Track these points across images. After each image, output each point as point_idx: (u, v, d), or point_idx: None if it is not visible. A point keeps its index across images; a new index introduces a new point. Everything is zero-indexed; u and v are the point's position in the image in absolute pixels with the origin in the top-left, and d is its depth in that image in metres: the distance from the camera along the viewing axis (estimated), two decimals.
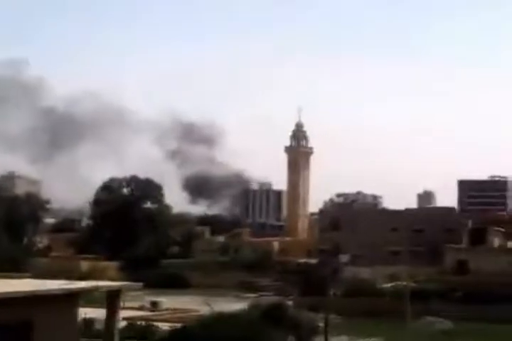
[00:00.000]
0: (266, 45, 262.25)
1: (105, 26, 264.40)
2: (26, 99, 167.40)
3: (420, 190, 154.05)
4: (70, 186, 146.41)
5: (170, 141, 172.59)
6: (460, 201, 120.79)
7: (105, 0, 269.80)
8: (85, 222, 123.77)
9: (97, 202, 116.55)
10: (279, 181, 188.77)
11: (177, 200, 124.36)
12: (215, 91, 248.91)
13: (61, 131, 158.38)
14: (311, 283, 77.99)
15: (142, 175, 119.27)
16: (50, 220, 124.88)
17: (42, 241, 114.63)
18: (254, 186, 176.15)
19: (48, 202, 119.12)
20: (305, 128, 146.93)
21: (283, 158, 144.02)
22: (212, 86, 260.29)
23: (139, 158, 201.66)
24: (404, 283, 70.27)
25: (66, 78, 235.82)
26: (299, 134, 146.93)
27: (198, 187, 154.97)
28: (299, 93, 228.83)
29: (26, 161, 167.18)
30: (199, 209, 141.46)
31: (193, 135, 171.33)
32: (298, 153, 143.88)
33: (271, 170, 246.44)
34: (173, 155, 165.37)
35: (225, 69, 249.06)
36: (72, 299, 23.33)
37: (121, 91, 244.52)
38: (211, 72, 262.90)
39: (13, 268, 62.02)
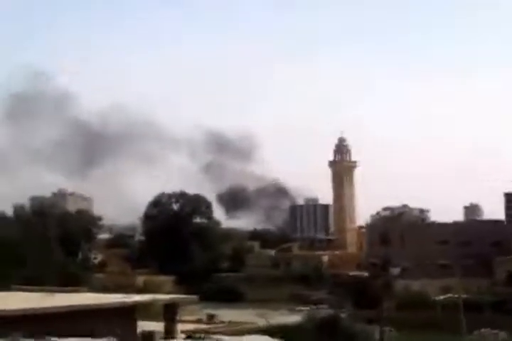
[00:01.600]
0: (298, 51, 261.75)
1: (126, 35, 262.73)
2: (55, 113, 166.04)
3: (467, 203, 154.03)
4: (110, 201, 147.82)
5: (203, 154, 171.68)
6: (507, 214, 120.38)
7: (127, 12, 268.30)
8: (138, 237, 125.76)
9: (147, 218, 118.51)
10: (323, 193, 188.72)
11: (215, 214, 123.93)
12: (243, 102, 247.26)
13: (93, 145, 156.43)
14: (365, 295, 78.85)
15: (178, 189, 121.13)
16: (103, 236, 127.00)
17: (96, 256, 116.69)
18: (300, 200, 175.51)
19: (100, 218, 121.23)
20: (348, 143, 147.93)
21: (326, 171, 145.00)
22: (240, 96, 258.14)
23: (174, 173, 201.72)
24: (457, 295, 70.70)
25: (91, 90, 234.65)
26: (342, 148, 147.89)
27: (233, 200, 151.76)
28: (339, 105, 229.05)
29: (62, 176, 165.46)
30: (237, 222, 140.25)
31: (227, 148, 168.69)
32: (342, 167, 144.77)
33: (312, 183, 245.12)
34: (208, 169, 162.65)
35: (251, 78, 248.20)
36: (130, 312, 24.15)
37: (148, 104, 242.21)
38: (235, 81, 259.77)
39: (70, 283, 63.33)
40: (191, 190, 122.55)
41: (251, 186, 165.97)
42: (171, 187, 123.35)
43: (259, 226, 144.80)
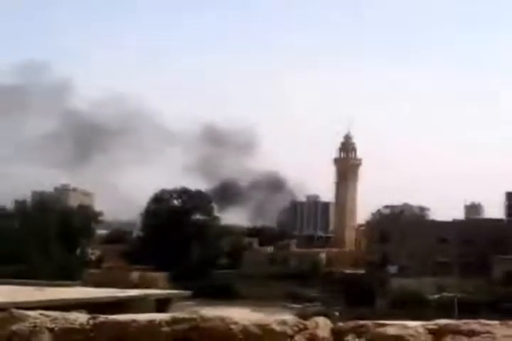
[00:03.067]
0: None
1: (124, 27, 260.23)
2: (48, 105, 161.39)
3: (468, 202, 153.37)
4: (105, 195, 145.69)
5: (200, 148, 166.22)
6: (508, 213, 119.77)
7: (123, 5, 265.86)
8: (136, 233, 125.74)
9: (148, 214, 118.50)
10: (322, 191, 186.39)
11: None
12: (244, 98, 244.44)
13: (88, 137, 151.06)
14: (358, 293, 78.71)
15: (172, 183, 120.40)
16: (102, 232, 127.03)
17: (94, 252, 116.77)
18: (301, 197, 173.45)
19: (100, 214, 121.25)
20: (354, 140, 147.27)
21: (328, 169, 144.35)
22: (242, 92, 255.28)
23: (169, 167, 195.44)
24: (451, 294, 70.37)
25: (88, 79, 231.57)
26: (347, 146, 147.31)
27: (225, 194, 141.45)
28: (341, 102, 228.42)
29: (56, 170, 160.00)
30: (229, 217, 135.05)
31: (224, 142, 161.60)
32: (347, 164, 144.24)
33: (314, 180, 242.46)
34: (204, 162, 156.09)
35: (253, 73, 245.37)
36: (123, 307, 24.19)
37: (144, 95, 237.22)
38: (234, 76, 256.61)
39: (66, 278, 63.52)
40: (186, 184, 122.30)
41: (247, 180, 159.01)
42: (166, 181, 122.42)
43: (252, 222, 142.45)
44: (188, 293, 32.03)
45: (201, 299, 67.06)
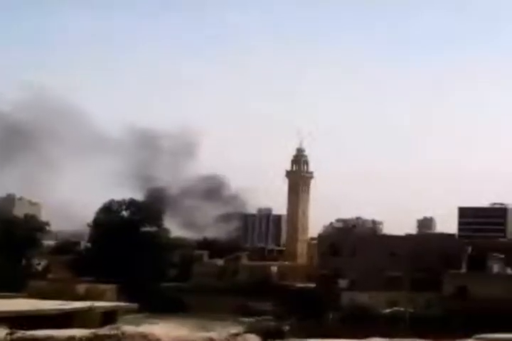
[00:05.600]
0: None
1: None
2: None
3: (420, 216, 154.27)
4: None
5: (134, 153, 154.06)
6: (460, 228, 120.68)
7: None
8: (84, 244, 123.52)
9: (95, 224, 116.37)
10: (274, 204, 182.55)
11: None
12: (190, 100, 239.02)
13: (10, 139, 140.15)
14: (309, 307, 77.74)
15: (103, 192, 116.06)
16: (49, 242, 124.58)
17: (40, 263, 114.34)
18: (252, 209, 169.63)
19: (47, 223, 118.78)
20: (306, 153, 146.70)
21: (280, 182, 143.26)
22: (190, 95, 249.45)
23: (102, 173, 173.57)
24: (403, 309, 69.91)
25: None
26: (299, 158, 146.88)
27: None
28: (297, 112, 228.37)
29: None
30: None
31: (161, 146, 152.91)
32: (299, 177, 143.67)
33: (264, 193, 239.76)
34: (138, 169, 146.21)
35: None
36: (68, 320, 23.19)
37: (74, 96, 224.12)
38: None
39: (10, 289, 61.57)
40: (120, 193, 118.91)
41: (182, 187, 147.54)
42: (97, 189, 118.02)
43: (184, 232, 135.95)
44: (134, 305, 30.77)
45: (149, 312, 65.50)
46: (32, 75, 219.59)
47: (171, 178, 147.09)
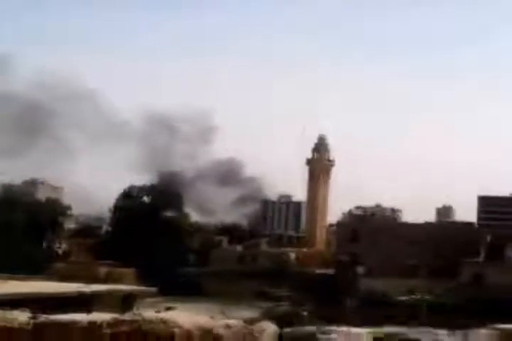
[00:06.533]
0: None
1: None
2: None
3: (439, 205, 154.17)
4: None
5: (150, 138, 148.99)
6: (479, 217, 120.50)
7: None
8: (105, 228, 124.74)
9: (116, 209, 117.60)
10: (294, 191, 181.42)
11: None
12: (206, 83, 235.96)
13: (29, 121, 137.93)
14: (327, 293, 78.30)
15: (122, 177, 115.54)
16: (70, 226, 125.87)
17: (61, 246, 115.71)
18: (272, 196, 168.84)
19: (69, 207, 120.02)
20: (328, 141, 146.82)
21: (300, 169, 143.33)
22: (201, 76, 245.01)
23: (118, 159, 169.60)
24: (419, 296, 70.30)
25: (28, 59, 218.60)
26: (320, 146, 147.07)
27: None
28: (316, 101, 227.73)
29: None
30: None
31: (178, 131, 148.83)
32: (319, 165, 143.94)
33: (284, 179, 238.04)
34: (154, 154, 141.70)
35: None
36: (88, 302, 23.54)
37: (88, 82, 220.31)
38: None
39: (31, 271, 62.68)
40: (136, 178, 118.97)
41: (197, 171, 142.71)
42: (113, 175, 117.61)
43: (199, 217, 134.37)
44: (154, 289, 31.36)
45: (168, 296, 66.26)
46: (48, 58, 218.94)
47: (187, 163, 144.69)
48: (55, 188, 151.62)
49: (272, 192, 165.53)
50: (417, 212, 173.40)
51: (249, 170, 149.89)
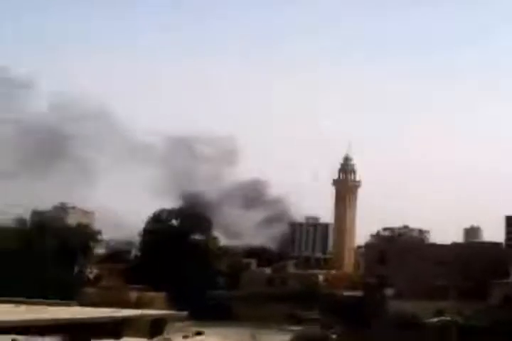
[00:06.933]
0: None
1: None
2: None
3: (467, 225, 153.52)
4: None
5: (170, 160, 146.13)
6: (508, 237, 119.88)
7: None
8: (135, 252, 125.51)
9: (146, 233, 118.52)
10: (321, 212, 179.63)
11: None
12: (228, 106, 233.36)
13: (48, 143, 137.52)
14: (356, 316, 78.41)
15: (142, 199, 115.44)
16: (101, 251, 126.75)
17: (92, 271, 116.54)
18: (298, 217, 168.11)
19: (99, 232, 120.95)
20: (353, 162, 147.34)
21: (327, 190, 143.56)
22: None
23: (138, 182, 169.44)
24: (449, 318, 70.16)
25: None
26: (346, 167, 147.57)
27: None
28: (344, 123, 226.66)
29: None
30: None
31: (201, 154, 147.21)
32: (346, 186, 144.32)
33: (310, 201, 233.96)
34: (175, 177, 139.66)
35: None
36: (118, 327, 24.13)
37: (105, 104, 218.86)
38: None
39: (62, 297, 63.38)
40: (159, 201, 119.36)
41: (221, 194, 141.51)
42: (136, 198, 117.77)
43: (227, 241, 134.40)
44: (184, 314, 31.88)
45: (199, 320, 66.78)
46: (68, 79, 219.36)
47: (211, 185, 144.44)
48: (85, 213, 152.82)
49: (297, 213, 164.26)
50: (445, 232, 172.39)
51: (275, 190, 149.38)
